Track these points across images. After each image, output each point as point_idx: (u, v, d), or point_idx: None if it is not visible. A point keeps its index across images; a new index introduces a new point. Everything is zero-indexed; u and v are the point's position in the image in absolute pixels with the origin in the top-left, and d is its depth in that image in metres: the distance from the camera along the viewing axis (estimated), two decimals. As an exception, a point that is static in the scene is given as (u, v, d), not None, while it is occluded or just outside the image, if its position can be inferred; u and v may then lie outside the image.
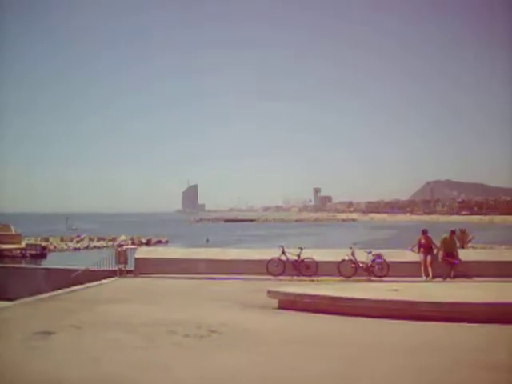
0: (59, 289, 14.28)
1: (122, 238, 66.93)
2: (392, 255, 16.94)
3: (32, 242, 54.87)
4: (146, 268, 17.59)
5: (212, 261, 17.73)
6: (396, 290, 11.49)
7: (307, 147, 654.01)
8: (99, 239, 67.16)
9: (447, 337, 8.65)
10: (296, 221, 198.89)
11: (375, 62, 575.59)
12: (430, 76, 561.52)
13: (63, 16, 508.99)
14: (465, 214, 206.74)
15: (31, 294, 13.35)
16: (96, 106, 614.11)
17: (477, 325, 9.12)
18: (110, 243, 59.93)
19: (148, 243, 62.68)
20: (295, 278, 16.63)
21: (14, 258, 44.36)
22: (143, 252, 19.23)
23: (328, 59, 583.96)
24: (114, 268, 17.60)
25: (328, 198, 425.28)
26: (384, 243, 49.07)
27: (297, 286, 13.72)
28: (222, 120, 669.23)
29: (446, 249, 16.77)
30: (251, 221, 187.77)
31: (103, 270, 17.92)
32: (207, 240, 67.36)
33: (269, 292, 11.54)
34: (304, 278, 16.53)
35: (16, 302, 12.35)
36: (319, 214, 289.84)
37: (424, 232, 17.12)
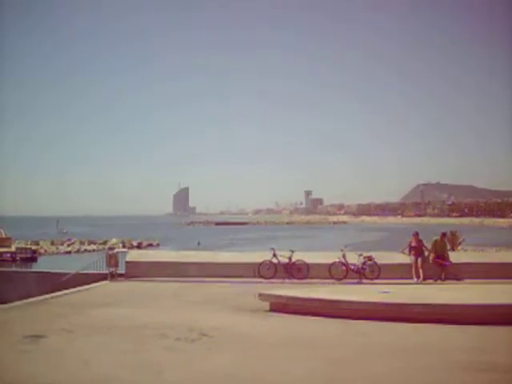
0: (50, 292, 14.19)
1: (113, 241, 66.52)
2: (383, 257, 17.00)
3: (22, 245, 54.41)
4: (136, 271, 17.51)
5: (203, 264, 17.67)
6: (387, 292, 11.55)
7: (298, 149, 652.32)
8: (90, 243, 66.97)
9: (438, 338, 8.68)
10: (287, 223, 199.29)
11: (374, 63, 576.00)
12: (429, 78, 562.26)
13: (63, 17, 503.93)
14: (455, 217, 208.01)
15: (21, 298, 13.24)
16: (96, 106, 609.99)
17: (468, 326, 9.17)
18: (101, 246, 59.63)
19: (139, 246, 62.52)
20: (286, 280, 16.63)
21: (3, 261, 43.91)
22: (134, 255, 19.12)
23: (328, 61, 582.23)
24: (104, 271, 17.49)
25: (319, 201, 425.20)
26: (375, 245, 49.35)
27: (288, 288, 13.76)
28: (214, 123, 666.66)
29: (437, 251, 16.86)
30: (243, 224, 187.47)
31: (94, 274, 17.83)
32: (198, 243, 67.28)
33: (260, 295, 11.53)
34: (295, 280, 16.56)
35: (6, 306, 12.24)
36: (310, 217, 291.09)
37: (415, 234, 17.22)
